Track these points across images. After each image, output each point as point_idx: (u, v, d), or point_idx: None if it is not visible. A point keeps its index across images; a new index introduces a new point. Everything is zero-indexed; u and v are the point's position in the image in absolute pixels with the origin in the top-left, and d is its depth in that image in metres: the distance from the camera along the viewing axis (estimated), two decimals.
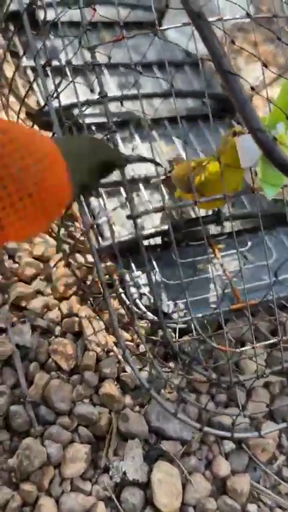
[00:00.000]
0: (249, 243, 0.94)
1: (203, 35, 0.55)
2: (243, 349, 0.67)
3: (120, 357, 0.79)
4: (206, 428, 0.56)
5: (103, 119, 0.98)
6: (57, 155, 0.47)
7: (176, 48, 1.17)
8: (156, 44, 1.18)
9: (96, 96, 0.82)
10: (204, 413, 0.72)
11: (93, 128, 0.98)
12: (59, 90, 0.67)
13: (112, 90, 1.04)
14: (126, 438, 0.75)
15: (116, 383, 0.78)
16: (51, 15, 0.72)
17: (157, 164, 0.69)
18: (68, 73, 0.91)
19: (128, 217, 0.59)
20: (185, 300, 0.84)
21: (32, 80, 0.97)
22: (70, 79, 0.68)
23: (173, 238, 0.61)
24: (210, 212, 0.93)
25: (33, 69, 1.00)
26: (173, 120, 1.05)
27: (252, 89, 0.56)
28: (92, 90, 0.98)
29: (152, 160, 0.78)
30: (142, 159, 0.69)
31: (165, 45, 1.17)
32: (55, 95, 0.65)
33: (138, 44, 1.16)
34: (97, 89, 0.81)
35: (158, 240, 0.89)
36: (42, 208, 0.45)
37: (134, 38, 1.16)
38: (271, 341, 0.66)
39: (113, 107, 1.02)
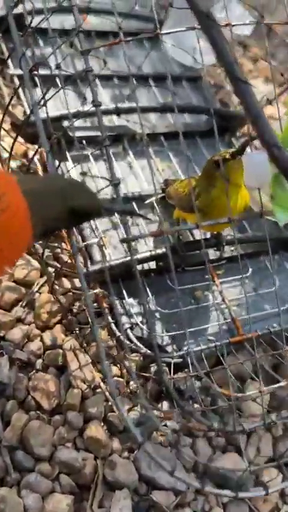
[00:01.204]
0: (250, 269, 0.87)
1: (212, 38, 0.48)
2: (248, 393, 0.60)
3: (108, 394, 0.71)
4: (208, 488, 0.48)
5: (94, 133, 0.91)
6: (17, 197, 0.41)
7: (173, 61, 1.11)
8: (152, 57, 1.13)
9: (87, 108, 0.76)
10: (199, 460, 0.64)
11: (84, 142, 0.91)
12: (46, 98, 0.60)
13: (105, 102, 0.98)
14: (114, 488, 0.67)
15: (102, 424, 0.70)
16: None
17: (145, 218, 0.62)
18: (58, 80, 0.84)
19: (122, 240, 0.52)
20: (180, 332, 0.77)
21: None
22: (60, 87, 0.61)
23: (172, 264, 0.54)
24: (208, 235, 0.86)
25: (20, 77, 0.93)
26: (170, 136, 0.98)
27: (269, 101, 0.49)
28: (85, 99, 0.91)
29: (139, 215, 0.72)
30: (127, 212, 0.62)
31: (162, 58, 1.11)
32: (42, 102, 0.58)
33: (134, 55, 1.10)
34: (89, 99, 0.74)
35: (151, 265, 0.82)
36: None
37: (129, 49, 1.11)
38: (280, 384, 0.59)
39: (106, 120, 0.95)
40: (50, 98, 0.60)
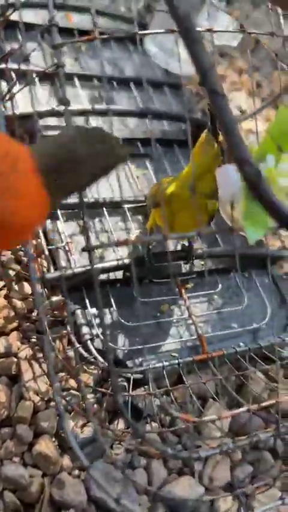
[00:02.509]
0: (220, 286, 0.84)
1: (188, 43, 0.46)
2: (207, 418, 0.57)
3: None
4: None
5: None
6: (32, 174, 0.38)
7: (156, 66, 1.09)
8: (135, 61, 1.11)
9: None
10: (149, 489, 0.61)
11: None
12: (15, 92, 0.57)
13: (84, 103, 0.94)
14: (60, 508, 0.63)
15: (54, 439, 0.67)
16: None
17: None
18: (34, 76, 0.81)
19: (84, 249, 0.48)
20: (142, 346, 0.74)
21: None
22: (30, 83, 0.58)
23: (134, 275, 0.51)
24: (179, 247, 0.83)
25: None
26: (147, 142, 0.96)
27: (242, 112, 0.47)
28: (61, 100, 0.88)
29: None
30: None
31: (145, 62, 1.09)
32: (8, 97, 0.54)
33: (115, 58, 1.07)
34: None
35: (118, 274, 0.78)
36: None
37: (110, 52, 1.08)
38: (241, 410, 0.56)
39: (81, 121, 0.92)
40: (19, 91, 0.57)
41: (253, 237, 0.52)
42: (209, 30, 0.58)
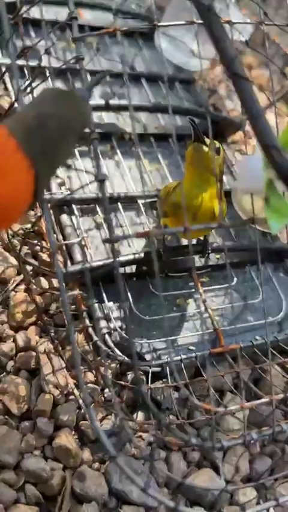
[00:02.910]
0: (235, 279, 0.84)
1: (212, 31, 0.46)
2: (229, 408, 0.57)
3: (81, 402, 0.68)
4: (182, 508, 0.45)
5: None
6: (12, 151, 0.36)
7: (167, 62, 1.09)
8: (146, 56, 1.11)
9: None
10: (173, 477, 0.61)
11: None
12: (34, 86, 0.57)
13: (95, 99, 0.95)
14: (82, 501, 0.63)
15: (73, 433, 0.67)
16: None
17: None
18: (47, 71, 0.81)
19: (106, 241, 0.48)
20: (160, 340, 0.74)
21: (5, 75, 0.87)
22: (48, 76, 0.59)
23: (157, 269, 0.51)
24: (194, 241, 0.83)
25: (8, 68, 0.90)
26: (160, 137, 0.96)
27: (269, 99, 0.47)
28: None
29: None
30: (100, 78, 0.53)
31: (155, 58, 1.09)
32: (28, 90, 0.54)
33: (127, 53, 1.08)
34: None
35: (133, 268, 0.78)
36: None
37: (122, 48, 1.08)
38: (263, 400, 0.56)
39: (95, 117, 0.92)
40: (37, 86, 0.57)
41: (276, 226, 0.51)
42: (228, 22, 0.58)
